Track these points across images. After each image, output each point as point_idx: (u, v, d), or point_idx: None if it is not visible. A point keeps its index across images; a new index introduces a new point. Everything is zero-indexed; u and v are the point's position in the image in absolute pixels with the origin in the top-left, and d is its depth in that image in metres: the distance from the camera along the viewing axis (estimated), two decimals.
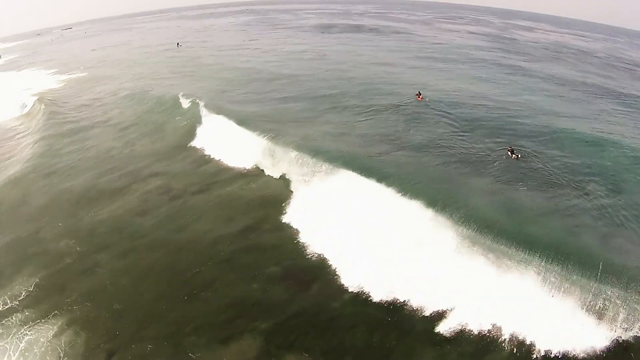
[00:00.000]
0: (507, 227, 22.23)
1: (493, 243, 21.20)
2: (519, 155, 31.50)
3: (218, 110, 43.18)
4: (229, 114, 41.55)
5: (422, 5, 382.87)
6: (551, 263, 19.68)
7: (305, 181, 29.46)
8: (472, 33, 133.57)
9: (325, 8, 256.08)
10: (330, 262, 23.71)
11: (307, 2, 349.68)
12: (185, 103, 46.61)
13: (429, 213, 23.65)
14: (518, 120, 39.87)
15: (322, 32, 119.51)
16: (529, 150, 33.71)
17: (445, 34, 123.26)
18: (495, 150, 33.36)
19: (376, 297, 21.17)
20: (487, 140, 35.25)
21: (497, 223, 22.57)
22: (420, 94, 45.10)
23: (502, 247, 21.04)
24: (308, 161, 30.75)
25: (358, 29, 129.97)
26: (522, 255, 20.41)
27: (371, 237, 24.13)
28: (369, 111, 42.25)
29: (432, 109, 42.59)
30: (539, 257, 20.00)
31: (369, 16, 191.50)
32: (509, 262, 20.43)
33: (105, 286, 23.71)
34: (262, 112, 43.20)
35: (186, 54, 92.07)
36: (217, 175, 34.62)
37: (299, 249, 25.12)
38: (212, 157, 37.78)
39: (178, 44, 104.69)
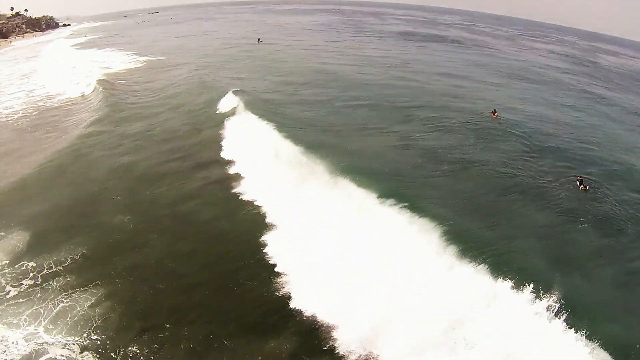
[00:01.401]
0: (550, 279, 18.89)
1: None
2: (588, 187, 29.77)
3: (283, 112, 43.95)
4: (291, 117, 42.55)
5: (507, 20, 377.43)
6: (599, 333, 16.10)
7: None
8: (555, 53, 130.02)
9: (411, 15, 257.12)
10: None
11: (395, 6, 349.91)
12: (249, 100, 47.24)
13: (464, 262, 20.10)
14: (593, 150, 38.15)
15: (405, 40, 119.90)
16: (600, 183, 31.63)
17: (528, 52, 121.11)
18: (562, 179, 31.57)
19: None
20: (556, 166, 33.68)
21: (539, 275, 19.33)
22: (495, 112, 44.69)
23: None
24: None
25: (442, 39, 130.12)
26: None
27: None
28: (439, 125, 41.54)
29: (505, 128, 41.48)
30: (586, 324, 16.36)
31: (454, 27, 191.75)
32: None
33: (150, 265, 24.60)
34: (325, 116, 43.77)
35: (265, 50, 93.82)
36: None
37: None
38: None
39: (259, 39, 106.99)
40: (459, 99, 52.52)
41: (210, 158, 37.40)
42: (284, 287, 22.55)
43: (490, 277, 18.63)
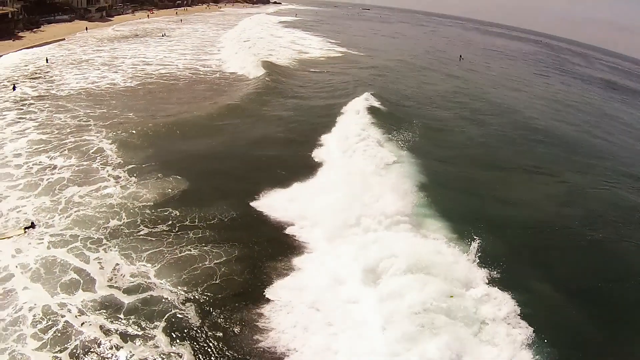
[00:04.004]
0: None
1: None
2: None
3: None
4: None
5: None
6: None
7: None
8: None
9: (621, 65, 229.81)
10: None
11: (605, 52, 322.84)
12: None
13: None
14: None
15: (610, 90, 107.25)
16: None
17: None
18: None
19: None
20: None
21: None
22: None
23: None
24: None
25: None
26: None
27: None
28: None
29: None
30: None
31: None
32: None
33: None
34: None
35: (464, 70, 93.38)
36: None
37: None
38: None
39: (461, 56, 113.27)
40: None
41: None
42: None
43: None
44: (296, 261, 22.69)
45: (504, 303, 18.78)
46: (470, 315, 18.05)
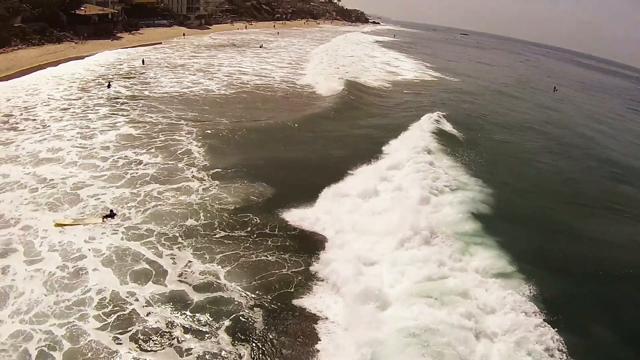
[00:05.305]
0: None
1: None
2: None
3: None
4: None
5: None
6: None
7: None
8: None
9: None
10: None
11: None
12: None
13: None
14: None
15: None
16: None
17: None
18: None
19: None
20: None
21: None
22: None
23: None
24: None
25: None
26: None
27: None
28: None
29: None
30: None
31: None
32: None
33: None
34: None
35: (557, 102, 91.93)
36: None
37: None
38: None
39: (555, 87, 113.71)
40: None
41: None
42: None
43: None
44: None
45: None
46: None
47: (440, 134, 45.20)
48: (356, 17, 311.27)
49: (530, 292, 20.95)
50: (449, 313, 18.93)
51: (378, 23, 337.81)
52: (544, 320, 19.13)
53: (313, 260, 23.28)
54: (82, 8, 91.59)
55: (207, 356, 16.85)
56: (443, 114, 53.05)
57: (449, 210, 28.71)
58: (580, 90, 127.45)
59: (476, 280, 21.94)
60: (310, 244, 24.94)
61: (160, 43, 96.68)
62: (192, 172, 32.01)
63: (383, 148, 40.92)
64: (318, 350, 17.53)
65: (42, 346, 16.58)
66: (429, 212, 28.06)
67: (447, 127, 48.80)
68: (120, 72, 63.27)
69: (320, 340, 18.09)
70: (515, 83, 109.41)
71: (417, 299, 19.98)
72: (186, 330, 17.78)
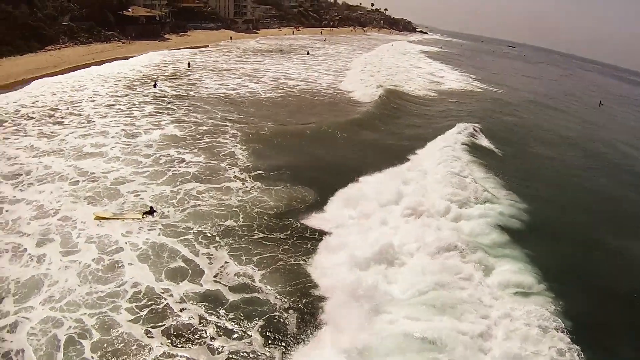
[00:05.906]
0: None
1: None
2: None
3: None
4: None
5: None
6: None
7: None
8: None
9: None
10: None
11: None
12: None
13: None
14: None
15: None
16: None
17: None
18: None
19: None
20: None
21: None
22: None
23: None
24: None
25: None
26: None
27: None
28: None
29: None
30: None
31: None
32: None
33: None
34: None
35: (602, 117, 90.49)
36: None
37: None
38: None
39: (600, 102, 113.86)
40: None
41: None
42: None
43: None
44: None
45: None
46: None
47: (473, 147, 44.00)
48: (403, 26, 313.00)
49: (555, 309, 20.24)
50: (460, 322, 18.70)
51: (426, 32, 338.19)
52: (567, 335, 18.58)
53: None
54: (129, 9, 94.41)
55: (238, 356, 16.74)
56: (478, 126, 51.72)
57: (475, 222, 27.96)
58: (627, 106, 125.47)
59: (494, 292, 21.28)
60: None
61: (207, 46, 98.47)
62: (234, 172, 32.31)
63: (417, 151, 40.72)
64: None
65: (71, 333, 16.83)
66: (455, 222, 27.69)
67: (484, 141, 47.67)
68: (166, 74, 64.55)
69: None
70: (561, 97, 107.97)
71: (427, 307, 19.58)
72: (219, 328, 17.84)
